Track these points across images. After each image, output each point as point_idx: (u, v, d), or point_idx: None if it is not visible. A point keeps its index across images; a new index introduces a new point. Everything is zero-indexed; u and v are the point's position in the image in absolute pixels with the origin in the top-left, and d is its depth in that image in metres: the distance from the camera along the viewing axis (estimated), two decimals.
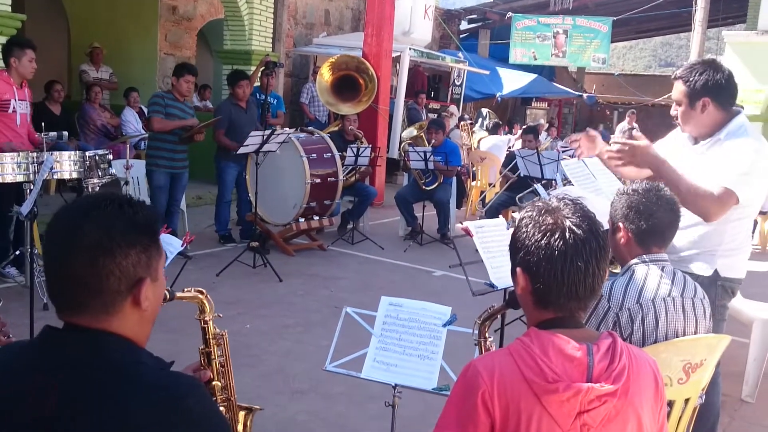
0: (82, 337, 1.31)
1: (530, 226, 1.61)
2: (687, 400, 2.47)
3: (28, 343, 1.38)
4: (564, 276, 1.55)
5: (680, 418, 2.48)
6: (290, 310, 5.62)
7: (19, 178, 4.96)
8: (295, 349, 4.79)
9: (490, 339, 2.11)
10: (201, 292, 1.84)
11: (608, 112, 23.69)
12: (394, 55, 11.33)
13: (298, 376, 4.32)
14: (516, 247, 1.64)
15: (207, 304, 1.84)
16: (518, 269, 1.62)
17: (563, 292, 1.56)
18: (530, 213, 1.64)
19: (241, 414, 2.00)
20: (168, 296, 1.65)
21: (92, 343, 1.31)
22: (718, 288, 3.04)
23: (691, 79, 2.98)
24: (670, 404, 2.44)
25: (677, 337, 2.44)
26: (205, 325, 1.84)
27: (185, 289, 1.83)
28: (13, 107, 5.62)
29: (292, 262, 7.05)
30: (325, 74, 9.75)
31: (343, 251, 7.70)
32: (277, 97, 9.43)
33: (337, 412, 3.90)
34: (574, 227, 1.57)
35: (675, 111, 3.08)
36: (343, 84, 9.76)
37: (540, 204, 1.66)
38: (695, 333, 2.48)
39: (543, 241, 1.57)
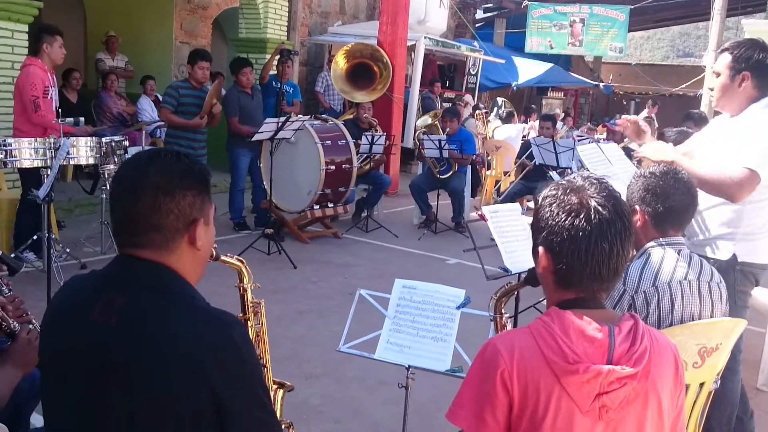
0: (147, 265, 1.49)
1: (554, 205, 1.58)
2: (702, 385, 2.46)
3: (100, 269, 1.55)
4: (588, 257, 1.52)
5: (695, 402, 2.47)
6: (304, 296, 5.65)
7: (37, 163, 5.01)
8: (309, 334, 4.80)
9: (506, 315, 2.09)
10: (241, 261, 1.95)
11: (625, 102, 23.50)
12: (409, 43, 11.28)
13: (311, 361, 4.34)
14: (539, 226, 1.61)
15: (246, 273, 1.94)
16: (541, 249, 1.60)
17: (586, 273, 1.54)
18: (554, 192, 1.61)
19: (274, 387, 2.05)
20: (214, 254, 1.78)
21: (155, 271, 1.49)
22: (737, 273, 3.01)
23: (737, 52, 3.05)
24: (685, 388, 2.43)
25: (693, 320, 2.43)
26: (244, 293, 1.93)
27: (228, 254, 1.90)
28: (50, 93, 5.72)
29: (306, 250, 7.06)
30: (340, 62, 9.74)
31: (358, 239, 7.71)
32: (293, 85, 9.43)
33: (349, 396, 3.92)
34: (599, 207, 1.53)
35: (712, 84, 3.16)
36: (358, 72, 9.74)
37: (564, 183, 1.62)
38: (711, 317, 2.47)
39: (567, 221, 1.54)
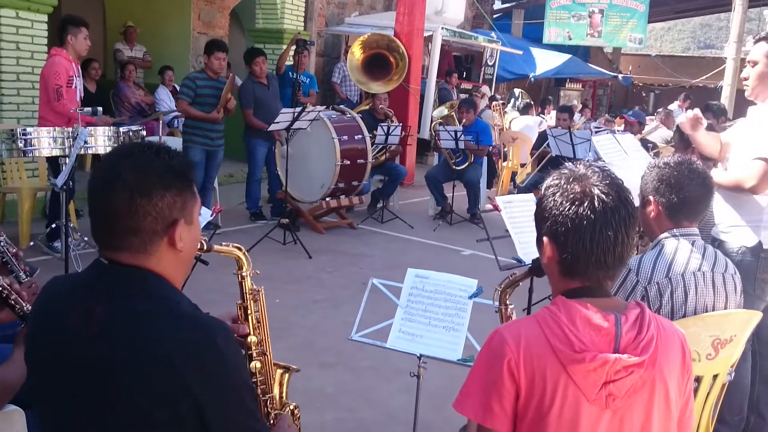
0: (128, 272, 1.44)
1: (557, 194, 1.58)
2: (715, 377, 2.45)
3: (79, 273, 1.53)
4: (593, 245, 1.52)
5: (708, 394, 2.46)
6: (319, 286, 5.67)
7: (55, 152, 5.06)
8: (323, 323, 4.83)
9: (511, 306, 2.10)
10: (239, 248, 1.89)
11: (644, 94, 23.28)
12: (426, 34, 11.23)
13: (325, 350, 4.36)
14: (543, 216, 1.61)
15: (244, 260, 1.89)
16: (545, 239, 1.60)
17: (591, 262, 1.54)
18: (557, 181, 1.61)
19: (278, 372, 2.04)
20: (205, 246, 1.72)
21: (137, 278, 1.44)
22: (761, 260, 3.00)
23: None
24: (698, 380, 2.42)
25: (706, 312, 2.42)
26: (242, 280, 1.90)
27: (223, 243, 1.88)
28: (75, 84, 5.79)
29: (321, 240, 7.09)
30: (356, 52, 9.72)
31: (373, 230, 7.72)
32: (310, 76, 9.44)
33: (363, 385, 3.94)
34: (602, 195, 1.53)
35: (747, 73, 3.17)
36: (374, 62, 9.72)
37: (567, 171, 1.62)
38: (725, 308, 2.45)
39: (571, 210, 1.54)
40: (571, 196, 1.55)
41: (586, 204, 1.53)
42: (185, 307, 1.45)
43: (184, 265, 1.53)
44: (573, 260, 1.55)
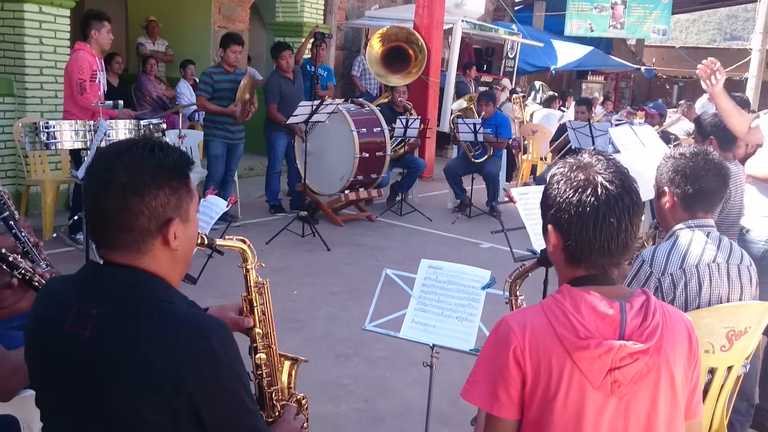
0: (120, 273, 1.42)
1: (561, 182, 1.59)
2: (730, 368, 2.43)
3: (74, 274, 1.50)
4: (596, 232, 1.53)
5: (722, 385, 2.45)
6: (337, 278, 5.70)
7: (77, 145, 5.13)
8: (341, 315, 4.86)
9: (521, 297, 2.10)
10: (243, 241, 1.88)
11: (668, 86, 23.01)
12: (445, 27, 11.20)
13: (342, 341, 4.39)
14: (547, 204, 1.62)
15: (249, 253, 1.88)
16: (549, 226, 1.61)
17: (595, 249, 1.54)
18: (562, 169, 1.62)
19: (286, 363, 2.04)
20: (206, 241, 1.71)
21: (129, 278, 1.41)
22: None
23: None
24: (712, 372, 2.41)
25: (721, 303, 2.40)
26: (247, 273, 1.88)
27: (226, 237, 1.88)
28: (98, 78, 5.87)
29: (340, 232, 7.12)
30: (375, 45, 9.73)
31: (391, 222, 7.74)
32: (327, 69, 9.46)
33: (379, 376, 3.97)
34: (606, 183, 1.54)
35: None
36: (393, 55, 9.72)
37: (572, 160, 1.63)
38: (740, 300, 2.43)
39: (574, 198, 1.55)
40: (575, 183, 1.56)
41: (589, 191, 1.54)
42: (179, 306, 1.43)
43: (181, 263, 1.50)
44: (577, 247, 1.55)
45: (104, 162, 1.42)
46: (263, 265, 1.95)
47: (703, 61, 3.41)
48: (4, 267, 2.15)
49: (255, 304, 1.89)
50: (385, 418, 3.54)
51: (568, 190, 1.56)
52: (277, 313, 5.04)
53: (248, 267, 1.88)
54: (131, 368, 1.34)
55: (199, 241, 1.63)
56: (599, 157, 1.62)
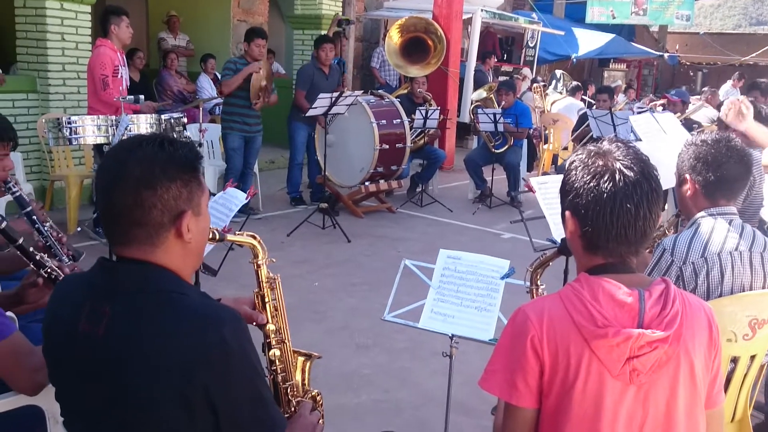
0: (130, 268, 1.43)
1: (580, 168, 1.58)
2: (753, 357, 2.40)
3: (86, 272, 1.52)
4: (613, 219, 1.52)
5: (745, 375, 2.42)
6: (357, 269, 5.72)
7: (100, 140, 5.19)
8: (361, 306, 4.87)
9: (542, 287, 2.10)
10: (254, 237, 1.88)
11: (692, 73, 22.68)
12: (465, 17, 11.14)
13: (363, 332, 4.41)
14: (565, 190, 1.61)
15: (260, 249, 1.87)
16: (567, 212, 1.60)
17: (612, 236, 1.53)
18: (580, 156, 1.61)
19: (300, 359, 2.04)
20: (217, 236, 1.72)
21: (140, 273, 1.42)
22: None
23: None
24: (735, 361, 2.38)
25: (744, 292, 2.37)
26: (258, 269, 1.88)
27: (237, 233, 1.89)
28: (120, 73, 5.93)
29: (360, 224, 7.13)
30: (394, 36, 9.70)
31: (412, 213, 7.73)
32: (341, 61, 9.47)
33: (399, 366, 3.98)
34: (624, 169, 1.53)
35: None
36: (412, 46, 9.69)
37: (591, 147, 1.62)
38: (763, 288, 2.40)
39: (592, 184, 1.54)
40: (593, 169, 1.55)
41: (606, 177, 1.53)
42: (192, 298, 1.43)
43: (193, 257, 1.52)
44: (594, 234, 1.54)
45: (116, 158, 1.43)
46: (274, 260, 1.95)
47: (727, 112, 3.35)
48: (31, 265, 2.19)
49: (267, 300, 1.89)
50: (405, 409, 3.55)
51: (586, 176, 1.56)
52: (297, 305, 5.09)
53: (259, 263, 1.88)
54: (145, 363, 1.35)
55: (210, 236, 1.63)
56: (619, 144, 1.61)
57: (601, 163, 1.56)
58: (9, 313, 2.11)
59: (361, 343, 4.27)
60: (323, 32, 9.34)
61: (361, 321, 4.58)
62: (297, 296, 4.97)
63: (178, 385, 1.34)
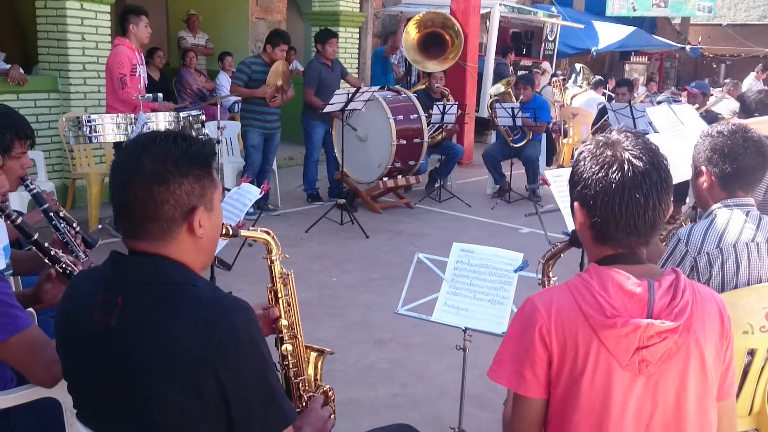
0: (142, 261, 1.46)
1: (588, 159, 1.57)
2: None
3: (99, 266, 1.54)
4: (622, 209, 1.51)
5: (763, 367, 2.39)
6: (375, 264, 5.73)
7: (119, 138, 5.25)
8: (379, 301, 4.88)
9: (554, 279, 2.09)
10: (267, 233, 1.89)
11: (715, 66, 22.37)
12: (483, 11, 11.09)
13: (380, 326, 4.42)
14: (574, 181, 1.61)
15: (273, 244, 1.88)
16: (576, 204, 1.60)
17: (621, 226, 1.52)
18: (589, 146, 1.60)
19: (312, 355, 2.04)
20: (231, 232, 1.72)
21: (151, 265, 1.45)
22: None
23: None
24: (752, 353, 2.36)
25: (761, 283, 2.34)
26: (272, 264, 1.89)
27: (251, 228, 1.90)
28: (138, 72, 5.99)
29: (378, 219, 7.14)
30: (411, 32, 9.68)
31: (430, 209, 7.73)
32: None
33: (416, 361, 3.98)
34: (633, 159, 1.52)
35: None
36: (430, 41, 9.66)
37: (600, 137, 1.61)
38: None
39: (600, 174, 1.53)
40: (601, 159, 1.54)
41: (615, 167, 1.52)
42: (202, 289, 1.45)
43: (205, 252, 1.54)
44: (603, 225, 1.54)
45: (129, 154, 1.46)
46: (287, 256, 1.96)
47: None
48: (46, 261, 2.22)
49: (280, 295, 1.90)
50: (422, 403, 3.55)
51: (594, 166, 1.55)
52: (315, 300, 5.12)
53: (273, 258, 1.89)
54: (157, 352, 1.37)
55: (223, 232, 1.65)
56: (628, 134, 1.59)
57: (609, 153, 1.55)
58: (29, 309, 2.15)
59: (378, 337, 4.28)
60: (341, 29, 9.36)
61: (378, 316, 4.59)
62: (315, 291, 5.00)
63: (189, 374, 1.36)
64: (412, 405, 3.53)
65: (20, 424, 2.12)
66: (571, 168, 1.66)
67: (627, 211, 1.51)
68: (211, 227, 1.52)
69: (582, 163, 1.58)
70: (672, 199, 1.58)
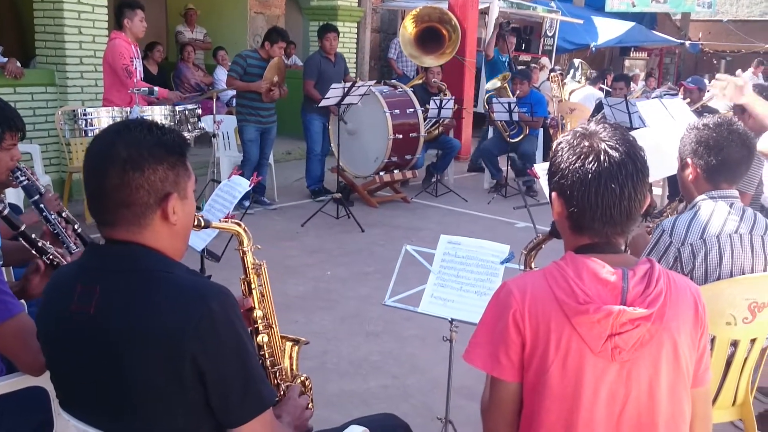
0: (118, 249, 1.48)
1: (566, 149, 1.59)
2: (753, 341, 2.39)
3: (77, 259, 1.57)
4: (598, 198, 1.53)
5: (746, 359, 2.41)
6: (370, 258, 5.75)
7: None
8: (373, 294, 4.90)
9: (536, 269, 2.10)
10: (238, 224, 1.91)
11: (715, 61, 22.33)
12: (481, 6, 11.08)
13: (373, 319, 4.44)
14: (552, 171, 1.63)
15: (245, 236, 1.90)
16: (554, 194, 1.62)
17: (597, 216, 1.54)
18: (568, 137, 1.62)
19: (288, 344, 2.07)
20: (203, 223, 1.73)
21: (127, 252, 1.47)
22: None
23: None
24: (735, 344, 2.38)
25: (744, 275, 2.36)
26: (244, 256, 1.91)
27: (222, 219, 1.91)
28: (135, 65, 5.99)
29: (374, 214, 7.16)
30: (408, 26, 9.67)
31: (427, 203, 7.74)
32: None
33: (408, 353, 4.01)
34: (609, 150, 1.54)
35: None
36: (427, 36, 9.65)
37: (578, 128, 1.63)
38: (765, 272, 2.39)
39: (577, 164, 1.55)
40: (578, 150, 1.56)
41: (591, 158, 1.54)
42: (179, 275, 1.47)
43: (180, 240, 1.56)
44: (579, 214, 1.56)
45: (104, 141, 1.48)
46: (259, 246, 1.97)
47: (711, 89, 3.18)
48: (33, 252, 2.24)
49: (254, 286, 1.91)
50: (414, 394, 3.58)
51: (571, 156, 1.57)
52: (310, 294, 5.14)
53: (244, 249, 1.91)
54: (135, 337, 1.39)
55: (195, 223, 1.66)
56: (605, 125, 1.61)
57: (586, 143, 1.57)
58: (20, 301, 2.16)
59: (371, 330, 4.30)
60: (339, 23, 9.37)
61: (372, 309, 4.61)
62: (310, 285, 5.02)
63: (168, 358, 1.38)
64: (404, 396, 3.56)
65: (8, 412, 2.14)
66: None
67: (603, 201, 1.52)
68: (185, 215, 1.54)
69: (560, 153, 1.60)
70: (648, 189, 1.60)
